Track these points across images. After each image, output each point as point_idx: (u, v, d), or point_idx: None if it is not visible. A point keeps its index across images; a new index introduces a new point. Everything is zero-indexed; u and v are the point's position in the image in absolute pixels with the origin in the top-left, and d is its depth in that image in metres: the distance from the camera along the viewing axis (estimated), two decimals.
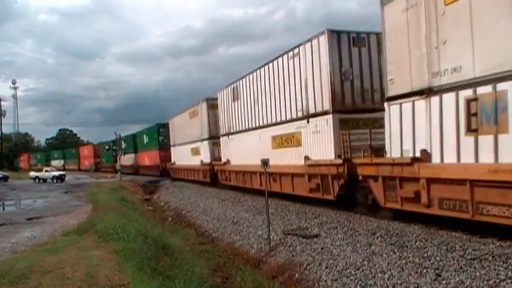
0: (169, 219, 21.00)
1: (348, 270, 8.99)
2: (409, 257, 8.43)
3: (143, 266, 8.58)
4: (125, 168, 54.90)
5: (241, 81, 21.10)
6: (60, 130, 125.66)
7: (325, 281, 9.09)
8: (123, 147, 55.99)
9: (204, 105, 27.75)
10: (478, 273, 7.03)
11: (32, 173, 48.26)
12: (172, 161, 37.50)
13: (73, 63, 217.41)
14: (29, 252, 9.62)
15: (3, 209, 22.83)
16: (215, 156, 26.40)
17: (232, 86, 22.48)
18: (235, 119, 22.18)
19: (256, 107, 19.17)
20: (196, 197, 24.86)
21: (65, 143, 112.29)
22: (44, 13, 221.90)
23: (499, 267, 7.00)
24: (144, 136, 48.18)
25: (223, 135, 24.26)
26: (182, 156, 33.81)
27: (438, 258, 7.96)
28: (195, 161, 29.84)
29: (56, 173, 46.01)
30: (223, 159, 24.25)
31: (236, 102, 21.88)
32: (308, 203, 15.50)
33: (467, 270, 7.25)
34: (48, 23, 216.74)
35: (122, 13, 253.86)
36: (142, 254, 9.35)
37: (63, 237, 11.38)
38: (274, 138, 17.40)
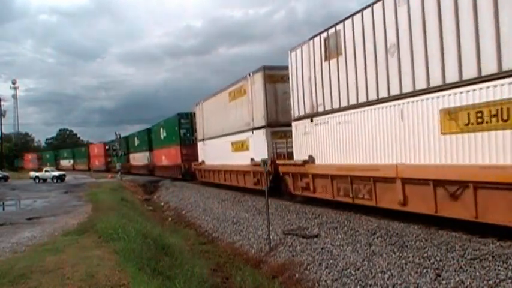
0: (169, 219, 21.00)
1: (348, 270, 8.99)
2: (409, 257, 8.43)
3: (143, 266, 8.58)
4: (138, 168, 49.77)
5: (349, 22, 12.22)
6: (60, 130, 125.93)
7: (325, 281, 9.09)
8: (136, 144, 49.79)
9: (259, 77, 18.63)
10: (478, 273, 7.04)
11: (32, 173, 48.29)
12: (200, 159, 29.10)
13: (73, 63, 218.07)
14: (29, 252, 9.62)
15: (3, 209, 22.84)
16: (277, 152, 17.59)
17: (322, 36, 13.50)
18: (330, 90, 13.15)
19: (394, 60, 10.51)
20: (196, 197, 24.86)
21: (65, 143, 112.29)
22: (45, 13, 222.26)
23: (499, 267, 7.00)
24: (162, 130, 39.05)
25: (299, 119, 15.24)
26: (216, 153, 25.02)
27: (438, 258, 7.97)
28: (238, 160, 20.97)
29: (56, 173, 46.01)
30: (299, 157, 15.25)
31: (333, 61, 12.92)
32: (308, 203, 15.48)
33: (467, 270, 7.25)
34: (48, 23, 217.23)
35: (122, 13, 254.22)
36: (142, 254, 9.35)
37: (63, 237, 11.39)
38: (454, 113, 8.84)
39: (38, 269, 7.78)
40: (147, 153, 45.66)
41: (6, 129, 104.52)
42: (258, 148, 18.99)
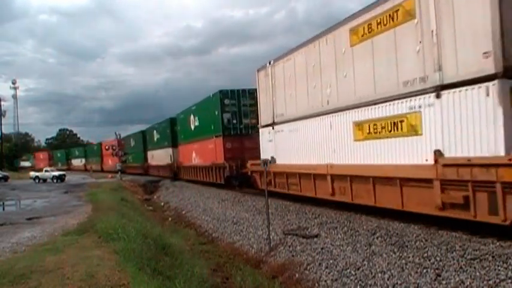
0: (169, 219, 21.02)
1: (348, 270, 8.99)
2: (409, 257, 8.43)
3: (143, 266, 8.58)
4: (157, 169, 41.09)
5: None
6: (60, 130, 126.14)
7: (325, 281, 9.09)
8: (155, 139, 41.34)
9: None
10: (478, 273, 7.04)
11: (32, 173, 48.37)
12: (266, 156, 17.14)
13: (74, 63, 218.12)
14: (29, 252, 9.62)
15: (3, 209, 22.84)
16: None
17: None
18: None
19: None
20: (196, 197, 24.84)
21: (64, 143, 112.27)
22: (45, 13, 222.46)
23: (499, 267, 7.00)
24: (192, 118, 29.29)
25: None
26: (308, 144, 14.50)
27: (438, 258, 7.97)
28: (377, 156, 11.17)
29: (56, 173, 46.06)
30: None
31: None
32: (308, 203, 15.47)
33: (467, 270, 7.25)
34: (49, 23, 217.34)
35: (122, 13, 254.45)
36: (142, 254, 9.35)
37: (63, 237, 11.38)
38: None
39: (38, 269, 7.78)
40: (170, 150, 36.02)
41: (6, 129, 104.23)
42: (465, 127, 8.67)
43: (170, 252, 11.04)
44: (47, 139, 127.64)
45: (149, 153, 45.04)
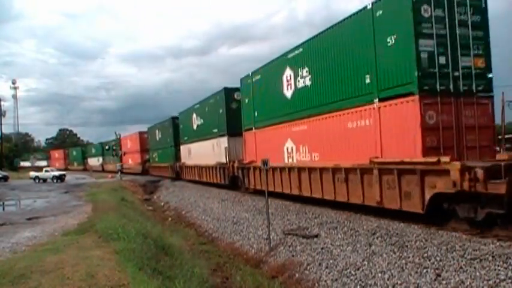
0: (169, 219, 21.02)
1: (348, 270, 8.99)
2: (409, 257, 8.44)
3: (143, 266, 8.58)
4: (198, 173, 28.47)
5: None
6: (60, 130, 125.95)
7: (325, 281, 9.10)
8: (194, 126, 28.21)
9: None
10: (478, 273, 7.04)
11: (32, 173, 48.32)
12: None
13: (75, 63, 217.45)
14: (29, 252, 9.62)
15: (3, 209, 22.81)
16: None
17: None
18: None
19: None
20: (196, 197, 24.85)
21: (64, 143, 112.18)
22: (46, 14, 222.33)
23: (499, 267, 7.00)
24: (287, 74, 15.52)
25: None
26: None
27: (438, 258, 7.97)
28: None
29: (56, 173, 46.09)
30: None
31: None
32: (308, 203, 15.47)
33: (467, 270, 7.25)
34: (50, 23, 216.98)
35: (123, 14, 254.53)
36: (142, 254, 9.35)
37: (63, 237, 11.39)
38: None
39: (38, 269, 7.77)
40: (224, 141, 22.69)
41: (6, 129, 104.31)
42: None
43: (170, 252, 11.03)
44: (47, 139, 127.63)
45: (183, 149, 31.43)
